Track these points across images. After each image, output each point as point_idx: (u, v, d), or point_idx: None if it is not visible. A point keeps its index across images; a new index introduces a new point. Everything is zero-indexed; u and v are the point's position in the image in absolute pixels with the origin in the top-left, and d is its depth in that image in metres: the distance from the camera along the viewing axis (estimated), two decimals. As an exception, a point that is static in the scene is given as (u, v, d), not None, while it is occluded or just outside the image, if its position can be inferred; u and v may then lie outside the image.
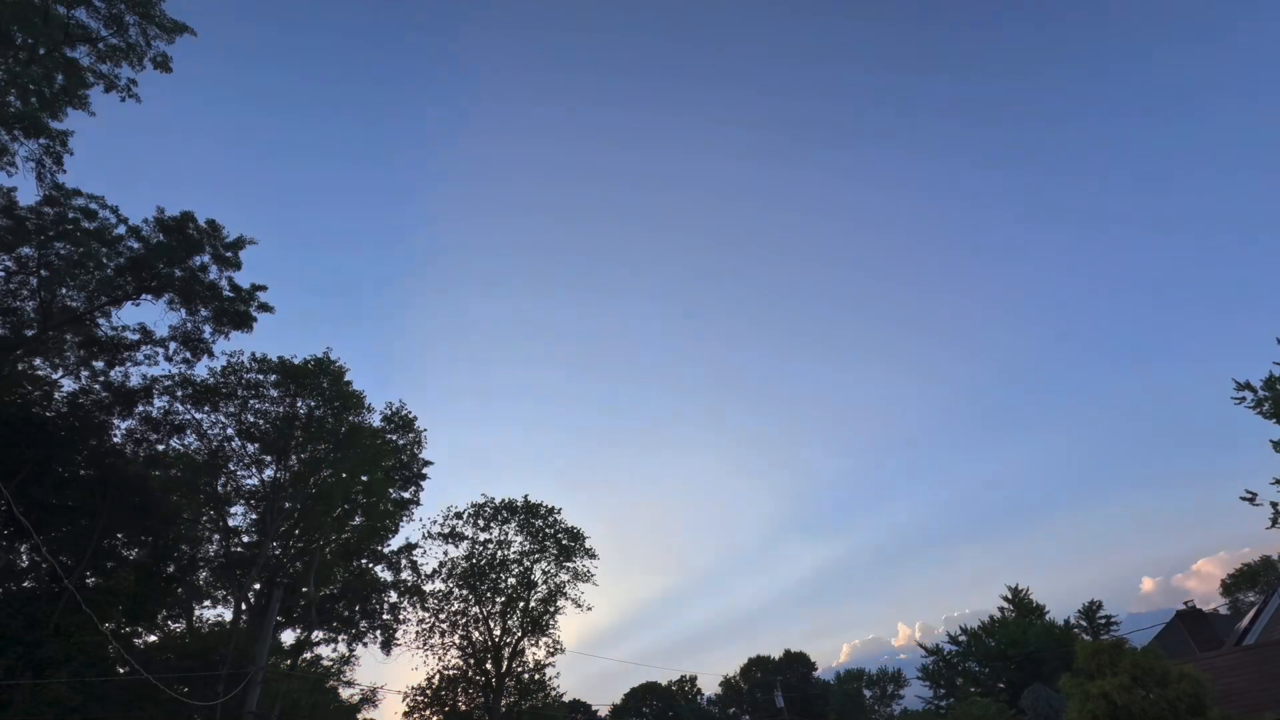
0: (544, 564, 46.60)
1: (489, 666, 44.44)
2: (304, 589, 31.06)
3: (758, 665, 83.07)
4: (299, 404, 32.31)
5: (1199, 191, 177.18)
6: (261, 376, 31.86)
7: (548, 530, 46.96)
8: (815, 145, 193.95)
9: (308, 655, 37.64)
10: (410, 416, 37.77)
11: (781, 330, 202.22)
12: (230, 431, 31.87)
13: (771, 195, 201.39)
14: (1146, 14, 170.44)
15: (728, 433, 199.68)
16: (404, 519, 38.91)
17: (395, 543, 40.62)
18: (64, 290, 26.22)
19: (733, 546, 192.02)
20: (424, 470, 39.43)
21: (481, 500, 47.08)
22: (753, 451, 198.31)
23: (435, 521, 46.15)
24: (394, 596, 40.58)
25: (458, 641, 44.78)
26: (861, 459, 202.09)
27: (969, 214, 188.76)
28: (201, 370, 30.28)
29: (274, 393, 32.05)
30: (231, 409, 31.60)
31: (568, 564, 46.85)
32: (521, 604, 45.48)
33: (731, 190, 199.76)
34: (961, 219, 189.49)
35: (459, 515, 46.42)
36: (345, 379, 33.13)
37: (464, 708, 46.31)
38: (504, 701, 44.67)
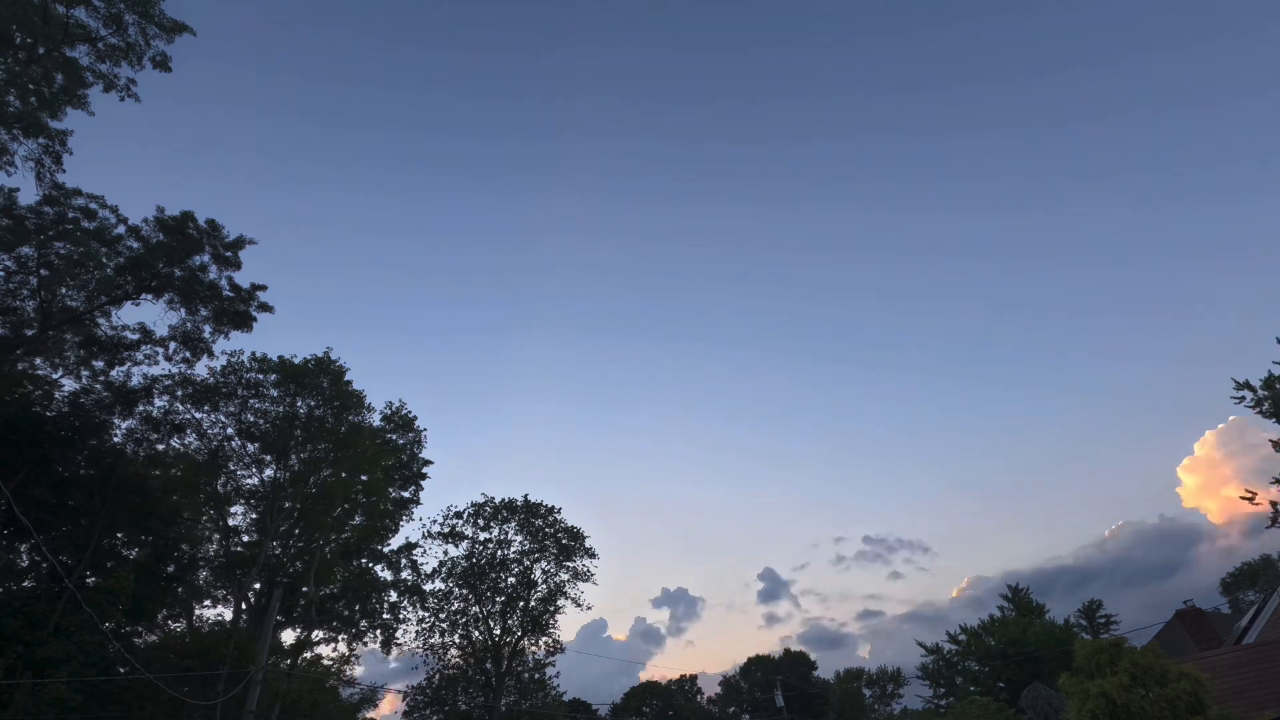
0: (544, 563, 46.62)
1: (489, 666, 44.45)
2: (304, 589, 31.06)
3: (758, 665, 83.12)
4: (299, 404, 32.31)
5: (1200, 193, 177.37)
6: (261, 376, 31.87)
7: (547, 530, 46.97)
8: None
9: (308, 655, 37.64)
10: (410, 416, 37.85)
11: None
12: (230, 431, 31.88)
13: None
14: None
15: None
16: (404, 518, 39.00)
17: (395, 542, 40.72)
18: (64, 290, 26.24)
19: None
20: (424, 470, 39.48)
21: (481, 500, 47.13)
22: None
23: (435, 521, 46.17)
24: (394, 596, 40.65)
25: (458, 641, 44.80)
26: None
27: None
28: (201, 370, 30.37)
29: (274, 392, 32.07)
30: (231, 409, 31.60)
31: (567, 563, 46.87)
32: (521, 603, 45.47)
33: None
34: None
35: (459, 515, 46.43)
36: (345, 378, 33.15)
37: (464, 707, 46.34)
38: (504, 701, 44.68)
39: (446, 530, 45.79)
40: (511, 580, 45.76)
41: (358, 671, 43.77)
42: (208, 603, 34.50)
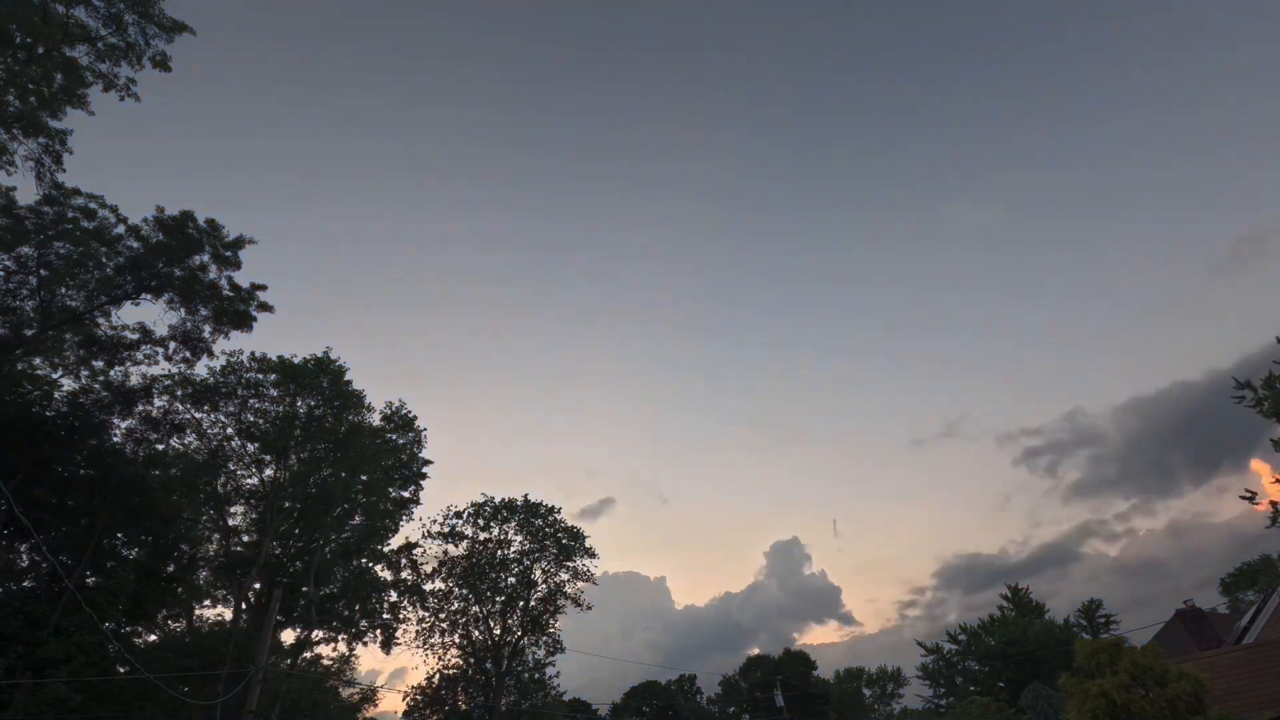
0: (544, 563, 46.63)
1: (489, 666, 44.45)
2: (304, 588, 31.06)
3: (757, 664, 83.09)
4: (299, 403, 32.31)
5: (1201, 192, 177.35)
6: (261, 376, 31.88)
7: (547, 530, 46.98)
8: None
9: (308, 655, 37.62)
10: (410, 416, 37.77)
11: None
12: (230, 431, 31.88)
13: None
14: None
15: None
16: (404, 518, 38.92)
17: (395, 542, 40.67)
18: (64, 290, 26.21)
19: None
20: (424, 469, 39.42)
21: (481, 500, 47.14)
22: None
23: (435, 521, 46.18)
24: (394, 596, 40.62)
25: (458, 641, 44.80)
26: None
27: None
28: (201, 370, 30.33)
29: (274, 392, 32.07)
30: (231, 408, 31.60)
31: (567, 563, 46.89)
32: (521, 603, 45.48)
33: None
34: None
35: (459, 514, 46.43)
36: (345, 378, 33.14)
37: (464, 707, 46.34)
38: (504, 701, 44.68)
39: (446, 530, 45.80)
40: (511, 580, 45.78)
41: (357, 672, 43.81)
42: (208, 603, 34.50)
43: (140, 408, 29.17)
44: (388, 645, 38.40)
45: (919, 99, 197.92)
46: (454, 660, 45.31)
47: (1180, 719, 13.00)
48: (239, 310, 28.62)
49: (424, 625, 44.07)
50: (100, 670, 22.96)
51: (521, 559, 46.24)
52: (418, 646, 44.01)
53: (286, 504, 31.60)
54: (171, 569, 30.50)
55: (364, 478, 33.92)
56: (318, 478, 32.05)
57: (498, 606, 45.40)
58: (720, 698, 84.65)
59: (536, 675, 50.83)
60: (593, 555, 47.42)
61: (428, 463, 39.40)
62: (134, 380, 28.82)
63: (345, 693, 44.87)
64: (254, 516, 32.79)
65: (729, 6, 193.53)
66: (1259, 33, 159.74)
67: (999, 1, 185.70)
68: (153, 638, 31.73)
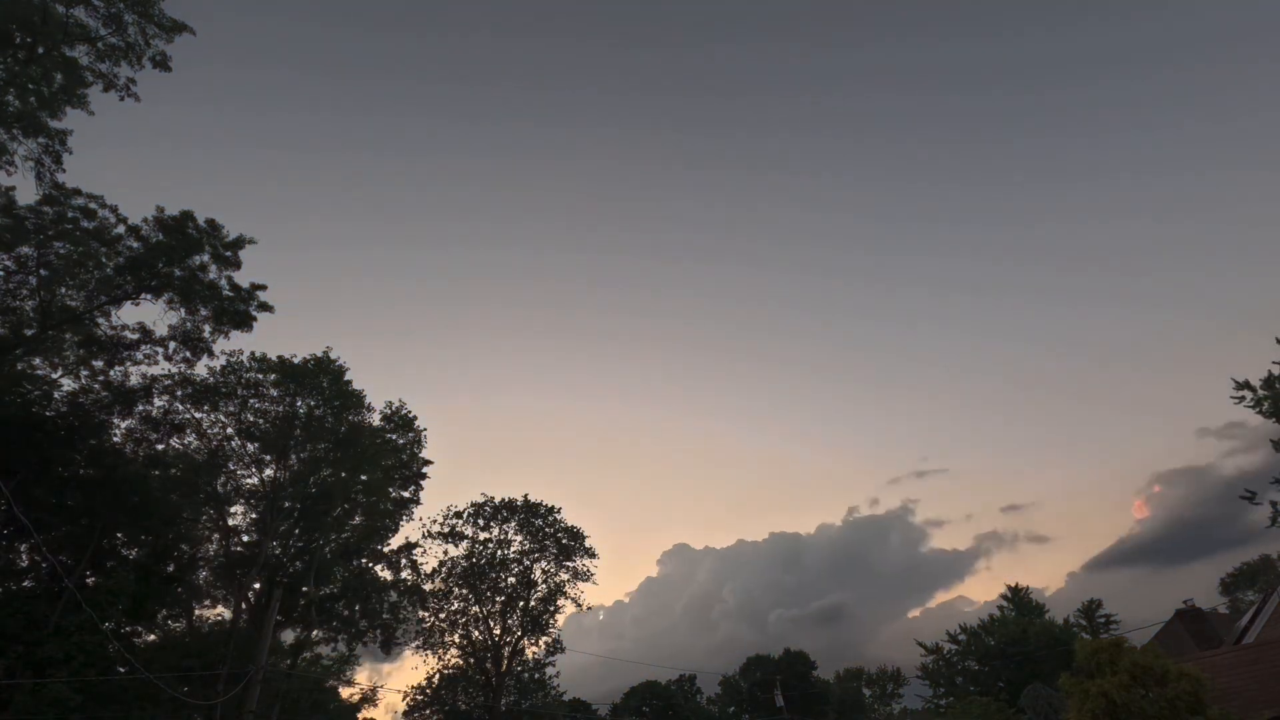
0: (544, 563, 46.66)
1: (489, 666, 44.46)
2: (304, 589, 31.05)
3: (757, 664, 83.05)
4: (299, 403, 32.31)
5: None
6: (261, 376, 31.87)
7: (547, 529, 47.00)
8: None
9: (308, 655, 37.60)
10: (410, 415, 37.75)
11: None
12: (230, 431, 31.86)
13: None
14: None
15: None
16: (404, 518, 38.89)
17: (395, 542, 40.61)
18: (63, 290, 26.19)
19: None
20: (424, 469, 39.40)
21: (481, 499, 47.15)
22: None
23: (435, 521, 46.19)
24: (394, 596, 40.58)
25: (458, 641, 44.82)
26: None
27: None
28: (201, 370, 30.29)
29: (274, 392, 32.06)
30: (231, 408, 31.59)
31: (567, 563, 46.92)
32: (521, 603, 45.50)
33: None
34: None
35: (459, 514, 46.45)
36: (345, 378, 33.14)
37: (464, 707, 46.38)
38: (504, 701, 44.70)
39: (446, 530, 45.82)
40: (511, 580, 45.80)
41: (357, 672, 43.79)
42: (208, 603, 34.44)
43: (140, 408, 29.12)
44: (388, 646, 38.40)
45: None
46: (454, 660, 45.34)
47: (1180, 719, 13.01)
48: (239, 310, 28.58)
49: (424, 625, 44.11)
50: (100, 670, 22.93)
51: (521, 559, 46.28)
52: (417, 647, 44.06)
53: (286, 504, 31.58)
54: (171, 569, 30.45)
55: (364, 478, 33.91)
56: (318, 478, 32.04)
57: (498, 606, 45.42)
58: (720, 698, 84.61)
59: (536, 675, 50.87)
60: (592, 555, 47.46)
61: (428, 463, 39.41)
62: (134, 380, 28.79)
63: (345, 693, 44.87)
64: (254, 516, 32.77)
65: None
66: None
67: None
68: (153, 638, 31.68)
